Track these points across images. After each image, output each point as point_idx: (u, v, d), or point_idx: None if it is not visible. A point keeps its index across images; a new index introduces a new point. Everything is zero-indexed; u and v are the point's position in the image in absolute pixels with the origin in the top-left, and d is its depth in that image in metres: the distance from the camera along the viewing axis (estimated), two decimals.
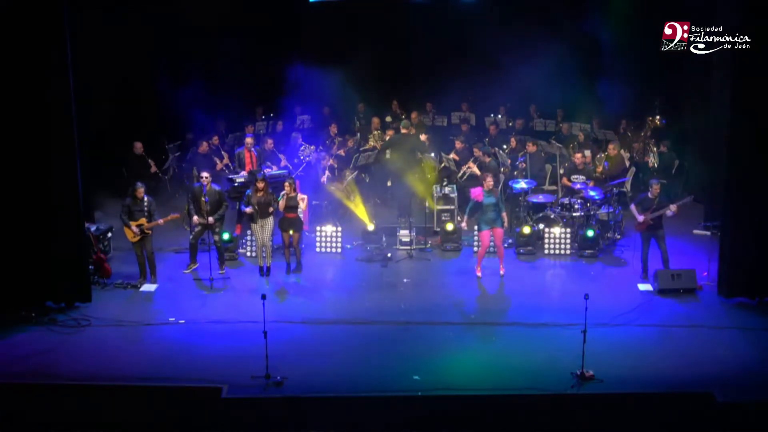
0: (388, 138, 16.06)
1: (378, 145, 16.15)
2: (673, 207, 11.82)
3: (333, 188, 14.70)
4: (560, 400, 9.10)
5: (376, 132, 17.16)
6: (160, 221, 12.06)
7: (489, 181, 12.19)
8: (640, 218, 11.91)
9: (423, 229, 14.21)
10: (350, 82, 17.44)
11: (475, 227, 12.92)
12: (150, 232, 12.04)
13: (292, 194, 12.40)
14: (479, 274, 12.46)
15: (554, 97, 18.00)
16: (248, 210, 12.31)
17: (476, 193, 12.25)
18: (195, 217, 12.45)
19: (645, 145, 16.52)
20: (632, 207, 12.22)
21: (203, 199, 12.30)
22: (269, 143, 15.45)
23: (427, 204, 14.50)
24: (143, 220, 11.92)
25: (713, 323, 10.76)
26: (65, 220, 11.08)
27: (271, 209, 12.30)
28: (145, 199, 11.98)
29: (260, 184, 12.26)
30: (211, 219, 12.32)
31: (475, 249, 13.37)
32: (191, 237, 12.66)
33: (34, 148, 10.76)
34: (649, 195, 12.00)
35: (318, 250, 13.59)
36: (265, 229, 12.34)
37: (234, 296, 11.85)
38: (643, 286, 11.96)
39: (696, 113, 15.40)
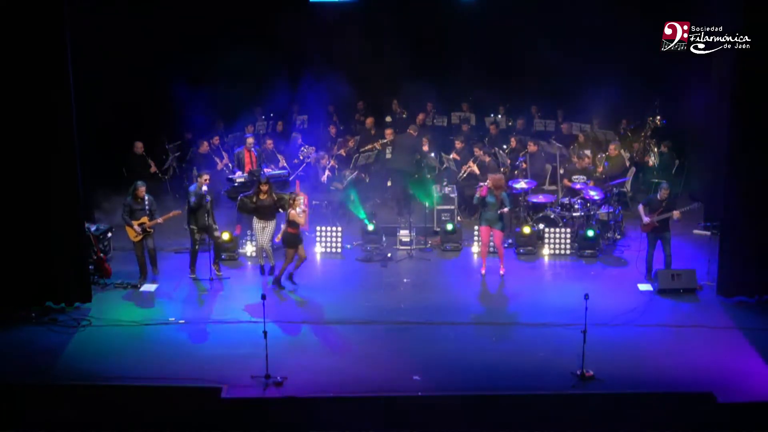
0: (387, 137, 16.07)
1: (378, 145, 16.14)
2: (676, 213, 11.77)
3: None
4: (560, 400, 9.11)
5: (372, 132, 17.12)
6: (160, 220, 12.07)
7: (490, 181, 12.22)
8: (646, 219, 11.87)
9: (423, 229, 14.20)
10: (350, 81, 17.42)
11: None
12: (152, 230, 12.04)
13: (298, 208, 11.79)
14: (483, 271, 12.46)
15: (554, 97, 17.98)
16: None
17: (481, 188, 12.37)
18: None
19: (645, 145, 16.51)
20: (640, 207, 12.11)
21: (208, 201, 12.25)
22: (269, 143, 15.43)
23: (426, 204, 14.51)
24: (145, 219, 11.92)
25: (713, 323, 10.77)
26: (65, 220, 11.07)
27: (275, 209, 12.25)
28: (146, 198, 11.97)
29: (264, 187, 12.20)
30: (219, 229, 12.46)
31: (475, 249, 13.39)
32: (195, 245, 12.33)
33: (35, 148, 10.75)
34: (658, 197, 11.96)
35: (318, 250, 13.58)
36: (266, 232, 12.27)
37: (234, 296, 11.85)
38: (643, 286, 11.96)
39: (696, 113, 15.37)
